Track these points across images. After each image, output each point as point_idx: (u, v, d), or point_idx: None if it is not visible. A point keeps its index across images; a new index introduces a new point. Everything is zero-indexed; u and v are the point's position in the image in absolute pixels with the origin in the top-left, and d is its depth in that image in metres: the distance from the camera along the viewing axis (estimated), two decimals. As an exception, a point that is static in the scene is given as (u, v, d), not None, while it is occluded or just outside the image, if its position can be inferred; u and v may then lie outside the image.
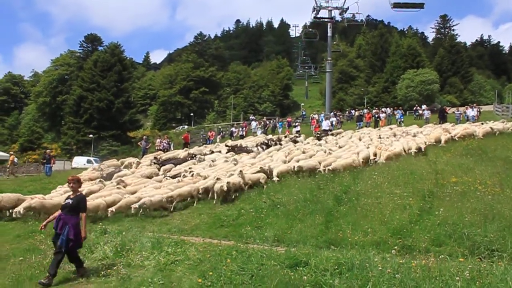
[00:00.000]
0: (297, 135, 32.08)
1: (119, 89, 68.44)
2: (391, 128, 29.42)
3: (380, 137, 24.58)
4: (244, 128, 42.11)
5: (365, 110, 47.99)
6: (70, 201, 7.95)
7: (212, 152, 26.16)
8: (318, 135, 31.33)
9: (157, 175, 20.66)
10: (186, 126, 75.93)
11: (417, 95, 59.58)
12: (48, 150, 35.15)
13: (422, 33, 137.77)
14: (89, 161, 39.99)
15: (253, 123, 43.20)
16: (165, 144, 33.18)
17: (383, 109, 44.58)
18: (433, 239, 8.51)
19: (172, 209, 14.38)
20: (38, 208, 13.67)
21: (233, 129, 43.53)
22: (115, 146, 61.50)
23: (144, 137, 37.26)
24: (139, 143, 36.94)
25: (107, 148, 60.36)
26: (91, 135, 58.61)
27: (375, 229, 9.43)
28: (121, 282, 7.33)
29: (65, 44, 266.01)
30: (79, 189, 8.33)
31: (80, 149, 62.83)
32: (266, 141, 28.49)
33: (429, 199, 11.19)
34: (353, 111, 48.33)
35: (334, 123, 39.38)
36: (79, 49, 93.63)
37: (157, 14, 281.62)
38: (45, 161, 29.21)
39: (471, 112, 34.12)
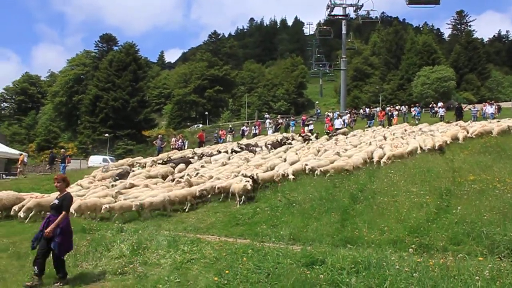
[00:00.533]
0: (309, 134, 31.96)
1: (134, 88, 68.79)
2: (405, 129, 28.95)
3: (393, 135, 24.52)
4: (257, 127, 41.56)
5: (378, 108, 47.36)
6: (56, 201, 7.82)
7: (219, 152, 26.18)
8: (329, 134, 31.33)
9: (172, 174, 20.80)
10: (200, 125, 76.11)
11: (433, 92, 58.91)
12: (62, 150, 35.86)
13: (438, 29, 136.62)
14: (105, 160, 40.29)
15: (267, 122, 42.80)
16: (179, 143, 33.36)
17: (396, 107, 44.14)
18: (451, 237, 8.41)
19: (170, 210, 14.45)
20: (34, 207, 13.93)
21: (244, 127, 42.59)
22: (130, 145, 61.83)
23: (159, 136, 37.41)
24: (154, 142, 37.13)
25: (122, 147, 60.74)
26: (106, 134, 59.02)
27: (391, 228, 9.35)
28: (138, 280, 7.38)
29: (81, 44, 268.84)
30: (66, 189, 8.14)
31: (96, 148, 63.29)
32: (279, 140, 28.42)
33: (446, 197, 11.06)
34: (367, 109, 47.50)
35: (346, 121, 38.82)
36: (94, 49, 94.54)
37: (171, 13, 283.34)
38: (60, 160, 29.67)
39: (490, 109, 33.48)
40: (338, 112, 50.60)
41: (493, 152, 16.38)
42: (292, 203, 12.65)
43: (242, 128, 42.49)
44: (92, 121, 67.93)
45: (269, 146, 26.11)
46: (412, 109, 40.18)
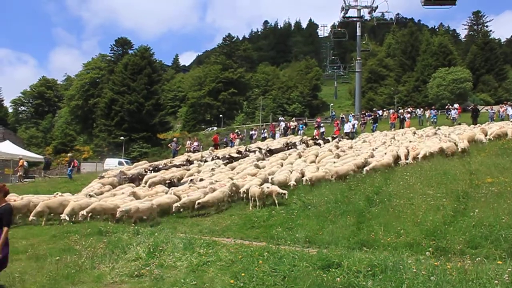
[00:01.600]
0: (316, 137, 31.58)
1: (149, 91, 69.22)
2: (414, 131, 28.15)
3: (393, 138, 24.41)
4: (265, 131, 40.74)
5: (391, 110, 46.67)
6: None
7: (218, 158, 25.95)
8: (334, 138, 30.72)
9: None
10: (215, 128, 76.30)
11: (449, 94, 58.32)
12: (69, 154, 36.23)
13: (454, 30, 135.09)
14: (120, 163, 40.59)
15: (282, 124, 42.46)
16: (195, 146, 33.49)
17: (408, 109, 43.54)
18: (469, 241, 8.30)
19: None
20: (20, 209, 14.36)
21: (253, 131, 41.34)
22: (145, 148, 62.19)
23: (174, 139, 37.64)
24: (169, 145, 37.34)
25: (137, 150, 61.13)
26: (122, 137, 59.45)
27: (407, 231, 9.27)
28: (154, 282, 7.43)
29: (97, 47, 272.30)
30: (5, 200, 7.01)
31: (112, 151, 63.79)
32: (285, 144, 28.32)
33: (463, 200, 10.92)
34: (380, 112, 46.63)
35: (356, 125, 37.48)
36: (109, 53, 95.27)
37: (187, 16, 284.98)
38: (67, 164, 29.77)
39: (510, 110, 32.47)
40: (352, 114, 50.43)
41: None
42: (308, 205, 12.65)
43: (250, 132, 41.77)
44: (107, 124, 68.51)
45: (263, 151, 25.62)
46: (427, 112, 39.55)
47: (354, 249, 8.57)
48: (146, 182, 20.23)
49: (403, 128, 33.33)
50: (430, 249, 7.86)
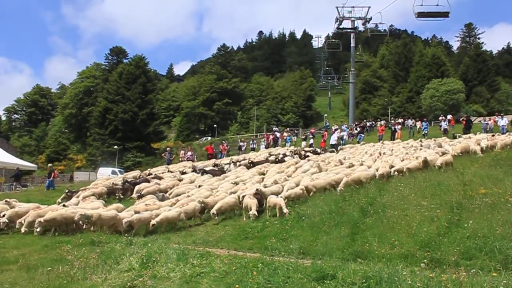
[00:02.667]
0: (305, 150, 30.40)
1: (143, 100, 69.16)
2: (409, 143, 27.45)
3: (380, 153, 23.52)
4: (254, 141, 39.57)
5: (382, 122, 46.26)
6: None
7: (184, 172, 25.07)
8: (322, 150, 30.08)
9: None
10: (209, 138, 76.30)
11: (442, 105, 58.70)
12: (50, 165, 35.36)
13: (447, 42, 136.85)
14: (113, 172, 40.42)
15: (277, 134, 42.22)
16: (189, 156, 33.44)
17: (399, 120, 43.42)
18: (463, 252, 8.28)
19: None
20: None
21: (241, 143, 39.53)
22: (139, 157, 62.02)
23: (167, 148, 37.54)
24: (163, 155, 37.23)
25: (131, 159, 60.99)
26: (115, 146, 59.31)
27: (402, 242, 9.24)
28: (148, 293, 7.35)
29: (93, 56, 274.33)
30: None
31: (105, 160, 63.48)
32: (269, 155, 27.80)
33: (457, 211, 10.91)
34: (369, 123, 46.25)
35: (345, 137, 37.21)
36: (104, 62, 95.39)
37: (184, 26, 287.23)
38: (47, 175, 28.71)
39: (501, 121, 32.48)
40: (346, 125, 50.54)
41: (505, 165, 16.22)
42: (302, 216, 12.61)
43: (239, 144, 40.20)
44: (101, 133, 68.31)
45: (236, 164, 25.42)
46: (421, 123, 38.96)
47: (349, 260, 8.52)
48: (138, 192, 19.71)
49: (394, 139, 32.90)
50: (425, 260, 7.84)
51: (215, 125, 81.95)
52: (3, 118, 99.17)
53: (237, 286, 6.89)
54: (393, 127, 37.18)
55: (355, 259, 8.70)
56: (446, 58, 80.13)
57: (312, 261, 8.24)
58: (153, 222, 13.43)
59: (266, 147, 36.94)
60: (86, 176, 44.85)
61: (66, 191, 20.53)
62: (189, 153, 34.48)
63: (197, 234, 13.07)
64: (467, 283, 6.05)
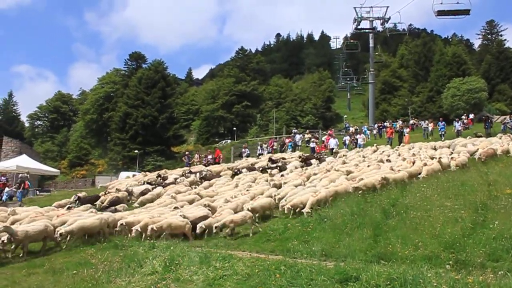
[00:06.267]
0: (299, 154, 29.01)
1: (163, 105, 69.74)
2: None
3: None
4: (261, 147, 37.69)
5: (387, 123, 44.42)
6: None
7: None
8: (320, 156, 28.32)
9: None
10: (229, 141, 76.57)
11: (464, 104, 57.77)
12: (20, 175, 29.64)
13: (468, 40, 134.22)
14: (134, 176, 40.75)
15: (297, 136, 41.74)
16: (209, 159, 33.52)
17: (411, 121, 42.22)
18: (489, 253, 8.11)
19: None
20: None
21: (244, 149, 37.40)
22: (159, 161, 62.43)
23: (186, 153, 37.75)
24: (183, 158, 37.43)
25: (152, 163, 61.43)
26: (136, 151, 59.91)
27: (426, 243, 9.11)
28: (171, 296, 7.40)
29: (116, 62, 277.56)
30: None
31: (126, 164, 64.30)
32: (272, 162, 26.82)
33: (482, 211, 10.70)
34: (386, 123, 43.86)
35: (347, 142, 35.70)
36: (124, 67, 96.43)
37: (205, 30, 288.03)
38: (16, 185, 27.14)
39: None
40: (366, 126, 50.20)
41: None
42: (323, 218, 12.54)
43: (241, 150, 38.17)
44: (122, 137, 69.02)
45: (204, 173, 24.96)
46: (431, 124, 37.89)
47: (372, 262, 8.43)
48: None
49: (401, 143, 30.31)
50: (450, 262, 7.71)
51: (234, 128, 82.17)
52: (27, 124, 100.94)
53: (260, 288, 6.89)
54: (400, 130, 35.19)
55: (378, 261, 8.59)
56: (467, 57, 78.87)
57: (335, 263, 8.20)
58: (61, 230, 12.16)
59: (270, 153, 34.99)
60: (108, 180, 45.29)
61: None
62: (209, 156, 34.55)
63: (218, 237, 13.12)
64: (494, 285, 5.95)
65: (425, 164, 17.44)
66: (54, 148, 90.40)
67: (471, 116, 43.63)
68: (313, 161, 25.86)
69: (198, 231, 13.08)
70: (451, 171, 16.66)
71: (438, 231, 9.56)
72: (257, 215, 14.35)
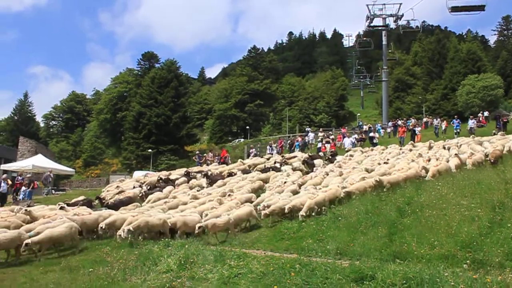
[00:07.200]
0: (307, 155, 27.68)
1: (176, 104, 69.97)
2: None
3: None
4: (271, 147, 36.72)
5: (400, 122, 43.67)
6: None
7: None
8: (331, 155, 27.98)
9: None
10: (242, 140, 76.55)
11: (479, 101, 57.06)
12: (28, 175, 28.47)
13: (483, 36, 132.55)
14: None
15: (311, 135, 41.04)
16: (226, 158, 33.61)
17: (424, 119, 41.55)
18: (507, 253, 7.98)
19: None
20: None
21: (251, 150, 37.07)
22: (173, 160, 62.63)
23: (197, 152, 37.79)
24: (194, 158, 37.47)
25: (165, 163, 61.63)
26: (150, 150, 60.16)
27: (442, 242, 9.02)
28: (186, 295, 7.42)
29: (130, 62, 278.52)
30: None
31: (140, 163, 64.63)
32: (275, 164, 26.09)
33: (499, 210, 10.54)
34: (399, 122, 43.27)
35: (354, 141, 34.79)
36: (137, 67, 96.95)
37: (218, 29, 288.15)
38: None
39: None
40: (380, 124, 49.84)
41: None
42: (338, 217, 12.49)
43: (249, 151, 37.75)
44: (135, 137, 69.39)
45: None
46: (444, 123, 37.29)
47: (387, 261, 8.38)
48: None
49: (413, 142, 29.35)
50: (467, 261, 7.62)
51: (247, 127, 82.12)
52: (42, 124, 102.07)
53: (275, 287, 6.89)
54: (412, 128, 34.82)
55: (393, 259, 8.54)
56: (483, 53, 77.82)
57: (350, 262, 8.17)
58: (28, 240, 11.04)
59: (279, 153, 34.82)
60: (122, 178, 45.58)
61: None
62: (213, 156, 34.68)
63: (232, 236, 13.14)
64: (513, 285, 5.86)
65: (424, 168, 17.21)
66: (68, 147, 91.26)
67: (486, 113, 42.97)
68: (316, 162, 25.18)
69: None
70: (467, 170, 16.47)
71: (454, 230, 9.46)
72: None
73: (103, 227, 12.92)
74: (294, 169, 23.72)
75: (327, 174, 19.87)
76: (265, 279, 7.63)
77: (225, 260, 9.09)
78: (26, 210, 14.17)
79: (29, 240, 10.96)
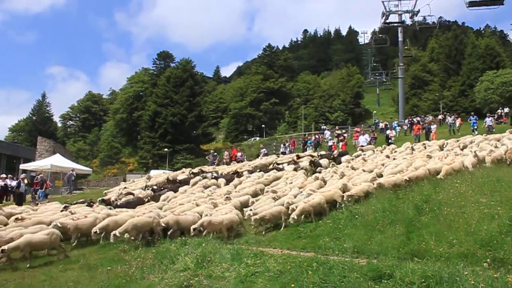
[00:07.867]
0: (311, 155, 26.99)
1: (191, 103, 70.35)
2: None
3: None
4: (284, 146, 36.53)
5: (416, 119, 43.22)
6: None
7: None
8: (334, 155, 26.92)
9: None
10: (257, 138, 76.56)
11: (498, 98, 56.18)
12: (40, 174, 28.58)
13: (501, 31, 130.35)
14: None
15: (327, 133, 41.01)
16: (239, 157, 33.63)
17: (440, 117, 40.83)
18: (529, 251, 7.90)
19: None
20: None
21: (262, 149, 36.28)
22: (189, 159, 62.94)
23: (211, 151, 37.89)
24: (207, 158, 37.55)
25: (181, 161, 61.96)
26: (166, 149, 60.54)
27: (461, 240, 8.91)
28: (204, 293, 7.45)
29: (146, 61, 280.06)
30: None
31: (156, 162, 65.13)
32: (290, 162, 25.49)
33: (520, 208, 10.43)
34: (415, 119, 42.94)
35: (367, 138, 33.57)
36: (152, 67, 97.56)
37: (234, 28, 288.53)
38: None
39: None
40: (396, 122, 49.43)
41: None
42: (355, 215, 12.41)
43: (260, 150, 37.00)
44: (151, 136, 69.90)
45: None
46: (458, 120, 36.64)
47: (405, 259, 8.31)
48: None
49: (428, 141, 28.77)
50: (488, 260, 7.51)
51: (263, 125, 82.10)
52: (59, 124, 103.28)
53: (292, 285, 6.87)
54: (427, 126, 34.18)
55: (411, 258, 8.46)
56: (501, 48, 76.59)
57: (368, 260, 8.12)
58: (4, 246, 10.33)
59: (291, 151, 34.64)
60: (138, 178, 45.84)
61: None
62: (239, 154, 34.64)
63: (249, 234, 13.15)
64: (535, 284, 5.77)
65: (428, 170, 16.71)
66: (86, 147, 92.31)
67: (506, 110, 42.29)
68: (323, 162, 24.25)
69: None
70: (486, 167, 16.23)
71: (474, 228, 9.34)
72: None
73: (97, 232, 12.40)
74: (300, 169, 23.05)
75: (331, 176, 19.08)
76: (282, 277, 7.62)
77: (242, 258, 9.11)
78: (17, 218, 13.46)
79: (5, 246, 10.25)
